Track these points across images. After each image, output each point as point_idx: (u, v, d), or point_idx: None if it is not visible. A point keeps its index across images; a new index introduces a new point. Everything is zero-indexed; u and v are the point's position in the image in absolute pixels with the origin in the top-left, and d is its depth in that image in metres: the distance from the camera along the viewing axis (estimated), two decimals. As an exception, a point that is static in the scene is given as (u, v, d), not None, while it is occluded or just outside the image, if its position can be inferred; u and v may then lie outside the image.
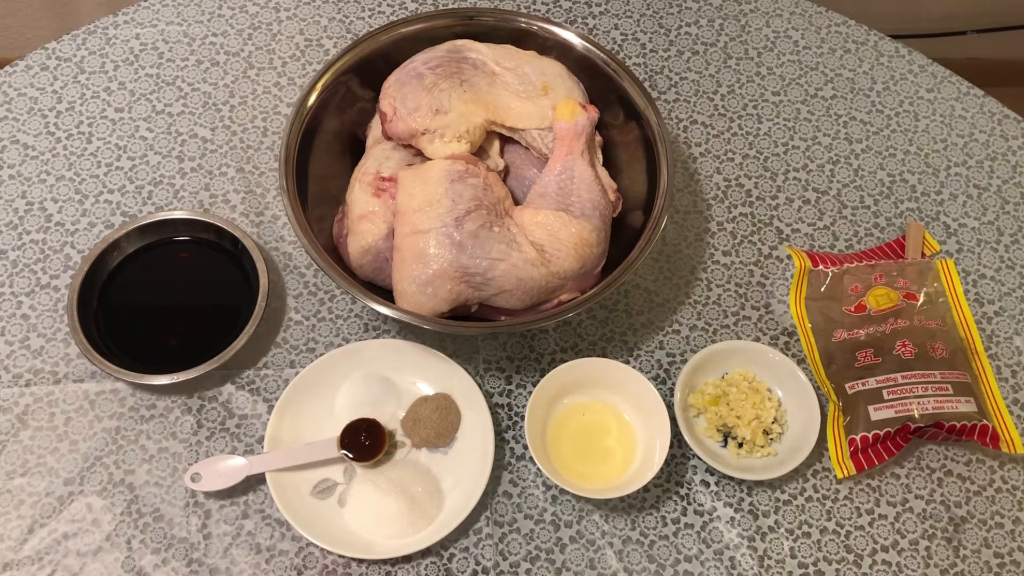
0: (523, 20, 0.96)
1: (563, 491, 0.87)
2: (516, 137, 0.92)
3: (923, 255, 1.00)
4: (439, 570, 0.84)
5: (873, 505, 0.88)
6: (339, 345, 0.93)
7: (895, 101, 1.11)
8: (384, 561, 0.83)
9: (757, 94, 1.11)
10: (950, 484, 0.90)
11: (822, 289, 0.96)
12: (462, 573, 0.84)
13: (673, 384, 0.91)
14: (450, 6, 1.14)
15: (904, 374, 0.90)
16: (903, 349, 0.91)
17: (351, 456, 0.85)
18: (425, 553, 0.84)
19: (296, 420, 0.87)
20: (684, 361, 0.93)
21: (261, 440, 0.88)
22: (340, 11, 1.14)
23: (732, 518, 0.87)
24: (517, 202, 0.90)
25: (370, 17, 1.14)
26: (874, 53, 1.14)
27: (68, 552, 0.82)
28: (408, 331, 0.93)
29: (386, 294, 0.86)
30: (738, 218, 1.03)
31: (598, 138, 0.93)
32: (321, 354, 0.91)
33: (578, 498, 0.87)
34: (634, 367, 0.92)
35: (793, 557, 0.86)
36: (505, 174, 0.93)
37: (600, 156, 0.92)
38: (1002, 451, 0.88)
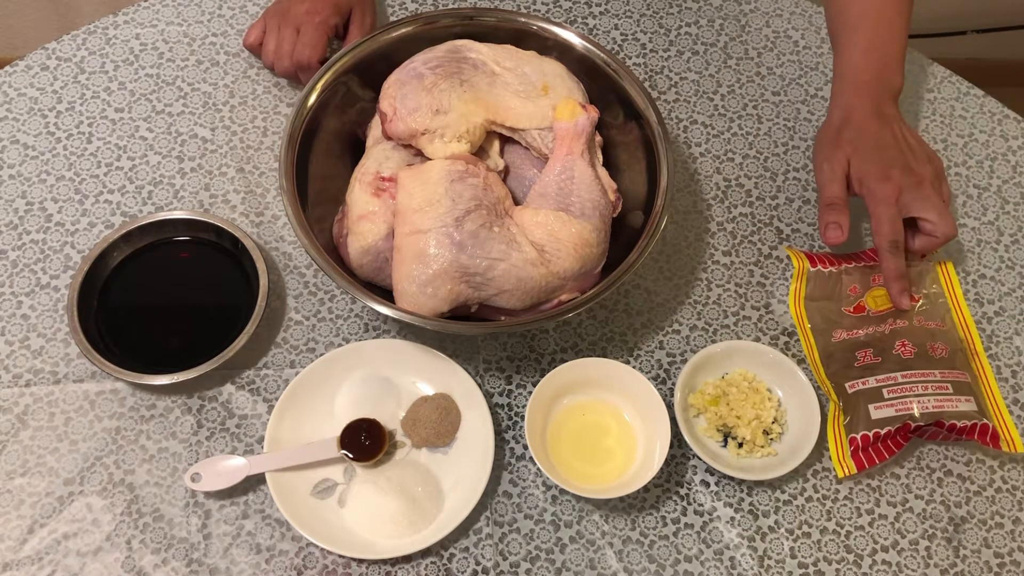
0: (523, 20, 0.96)
1: (563, 491, 0.87)
2: (516, 137, 0.92)
3: (922, 256, 0.99)
4: (439, 570, 0.84)
5: (873, 505, 0.88)
6: (339, 345, 0.93)
7: (895, 101, 1.11)
8: (384, 561, 0.83)
9: (757, 94, 1.11)
10: (950, 484, 0.90)
11: (821, 290, 0.96)
12: (462, 573, 0.84)
13: (673, 384, 0.91)
14: (450, 6, 1.14)
15: (904, 373, 0.90)
16: (903, 349, 0.91)
17: (351, 456, 0.85)
18: (425, 553, 0.84)
19: (296, 420, 0.87)
20: (684, 361, 0.93)
21: (261, 440, 0.88)
22: (340, 11, 1.13)
23: (732, 518, 0.87)
24: (517, 202, 0.90)
25: (370, 17, 1.14)
26: (874, 53, 1.14)
27: (68, 552, 0.82)
28: (408, 331, 0.93)
29: (386, 294, 0.86)
30: (738, 218, 1.03)
31: (598, 138, 0.92)
32: (321, 354, 0.91)
33: (578, 498, 0.87)
34: (634, 367, 0.92)
35: (793, 557, 0.86)
36: (505, 174, 0.93)
37: (600, 156, 0.92)
38: (1002, 451, 0.88)
